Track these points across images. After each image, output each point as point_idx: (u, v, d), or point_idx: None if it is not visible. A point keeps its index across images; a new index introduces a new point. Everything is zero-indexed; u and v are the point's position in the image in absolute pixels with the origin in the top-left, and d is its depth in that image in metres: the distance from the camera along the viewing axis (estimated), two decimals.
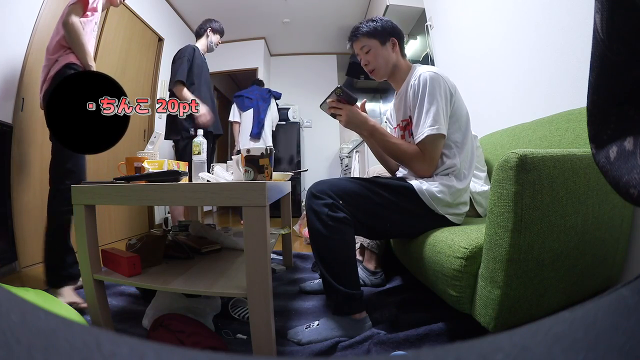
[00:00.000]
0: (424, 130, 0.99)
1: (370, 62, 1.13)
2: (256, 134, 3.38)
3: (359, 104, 1.14)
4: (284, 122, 4.10)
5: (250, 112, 3.42)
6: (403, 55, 1.15)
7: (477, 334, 0.19)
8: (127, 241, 1.10)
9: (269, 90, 3.61)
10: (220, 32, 2.39)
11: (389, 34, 1.11)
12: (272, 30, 4.16)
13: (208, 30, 2.35)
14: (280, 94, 3.77)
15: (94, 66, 1.33)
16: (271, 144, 3.46)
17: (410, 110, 1.08)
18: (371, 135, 1.08)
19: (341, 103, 1.08)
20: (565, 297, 0.79)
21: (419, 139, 1.00)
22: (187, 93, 2.13)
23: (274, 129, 3.58)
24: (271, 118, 3.51)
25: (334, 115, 1.11)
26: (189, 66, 2.16)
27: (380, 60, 1.12)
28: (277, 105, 3.71)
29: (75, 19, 1.26)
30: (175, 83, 2.12)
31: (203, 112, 2.11)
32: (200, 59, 2.27)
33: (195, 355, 0.12)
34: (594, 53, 0.27)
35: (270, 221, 0.82)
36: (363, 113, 1.09)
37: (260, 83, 3.68)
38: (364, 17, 3.73)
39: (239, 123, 3.43)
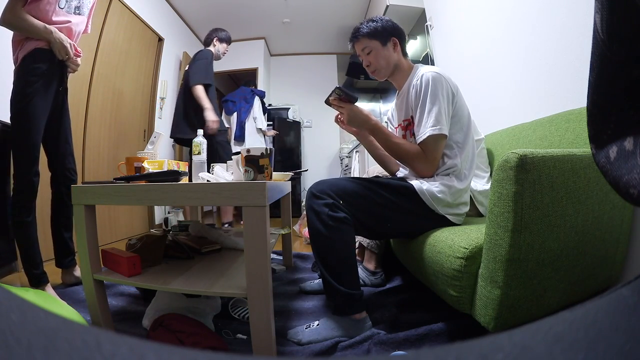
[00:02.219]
0: (425, 130, 0.99)
1: (371, 63, 1.14)
2: (238, 137, 3.42)
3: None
4: (271, 122, 4.04)
5: (235, 115, 3.46)
6: (404, 54, 1.15)
7: (477, 334, 0.19)
8: (127, 241, 1.10)
9: (252, 90, 3.60)
10: (227, 40, 2.55)
11: (390, 34, 1.11)
12: (272, 30, 4.15)
13: (215, 40, 2.51)
14: (264, 92, 3.74)
15: (56, 34, 1.23)
16: (259, 144, 3.44)
17: (412, 110, 1.08)
18: (373, 133, 1.08)
19: (343, 102, 1.08)
20: (565, 297, 0.79)
21: (421, 139, 1.00)
22: (204, 95, 2.33)
23: (261, 127, 3.56)
24: (253, 117, 3.50)
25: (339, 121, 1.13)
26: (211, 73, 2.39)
27: (382, 61, 1.12)
28: (264, 103, 3.69)
29: (6, 15, 1.18)
30: (198, 83, 2.32)
31: (215, 119, 2.33)
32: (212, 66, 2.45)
33: (195, 355, 0.12)
34: (594, 53, 0.27)
35: (270, 221, 0.82)
36: (365, 110, 1.09)
37: (248, 83, 3.70)
38: (364, 17, 3.73)
39: (229, 127, 3.47)
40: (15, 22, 1.19)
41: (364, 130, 1.10)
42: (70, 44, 1.27)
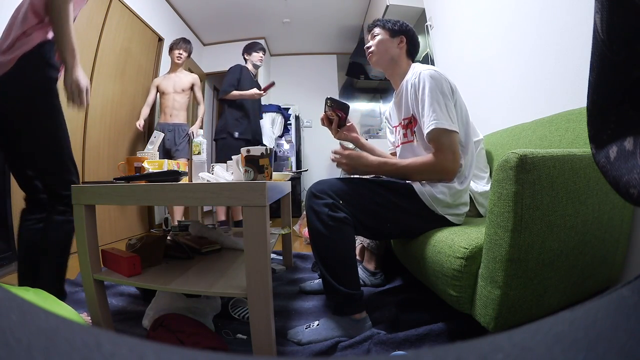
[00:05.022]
0: (430, 124, 0.97)
1: (372, 46, 1.17)
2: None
3: (347, 119, 1.20)
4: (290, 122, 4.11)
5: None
6: (410, 56, 1.16)
7: (477, 334, 0.19)
8: (127, 241, 1.10)
9: (279, 107, 3.69)
10: (252, 49, 2.68)
11: (402, 32, 1.15)
12: (272, 30, 4.15)
13: (245, 56, 2.69)
14: (290, 114, 3.88)
15: (80, 75, 0.94)
16: (269, 142, 3.46)
17: (411, 108, 1.07)
18: (381, 171, 1.06)
19: (336, 113, 1.13)
20: (565, 297, 0.79)
21: (432, 135, 0.98)
22: (230, 97, 2.50)
23: (276, 135, 3.59)
24: (272, 120, 3.54)
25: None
26: (237, 79, 2.52)
27: (381, 46, 1.15)
28: (287, 126, 3.78)
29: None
30: (223, 92, 2.49)
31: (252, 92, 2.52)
32: (246, 74, 2.59)
33: (195, 355, 0.12)
34: (594, 53, 0.27)
35: (270, 221, 0.82)
36: (364, 154, 1.07)
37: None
38: (364, 17, 3.73)
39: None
40: (65, 14, 0.87)
41: (371, 172, 1.07)
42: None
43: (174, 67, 2.68)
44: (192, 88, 2.73)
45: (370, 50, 1.17)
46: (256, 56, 2.66)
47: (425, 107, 0.99)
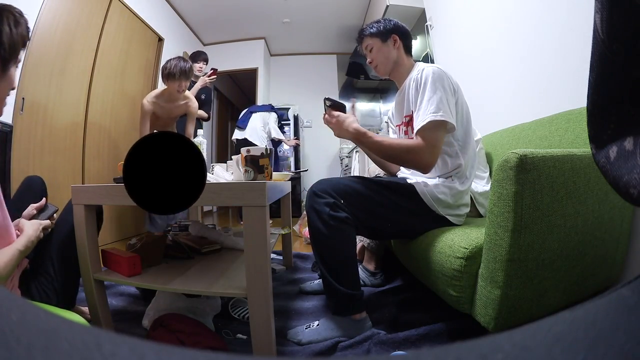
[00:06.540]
0: (426, 117, 0.95)
1: (373, 59, 1.16)
2: (240, 124, 3.43)
3: (348, 105, 1.19)
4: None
5: (249, 124, 3.42)
6: (408, 53, 1.16)
7: (477, 334, 0.19)
8: (127, 241, 1.10)
9: (272, 106, 3.65)
10: (196, 59, 2.70)
11: (390, 31, 1.13)
12: (272, 30, 4.16)
13: None
14: (284, 113, 3.83)
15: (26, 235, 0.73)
16: (259, 142, 3.38)
17: (412, 104, 1.07)
18: (359, 141, 1.04)
19: (337, 111, 1.13)
20: (565, 297, 0.79)
21: (420, 125, 0.96)
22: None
23: (276, 136, 3.52)
24: (263, 120, 3.46)
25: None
26: None
27: (381, 56, 1.14)
28: (281, 124, 3.73)
29: None
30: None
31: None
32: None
33: (195, 355, 0.12)
34: (594, 53, 0.27)
35: (270, 221, 0.82)
36: (349, 118, 1.05)
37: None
38: (364, 17, 3.73)
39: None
40: None
41: (351, 138, 1.05)
42: None
43: (172, 97, 2.05)
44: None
45: (374, 65, 1.17)
46: (196, 66, 2.64)
47: (424, 99, 0.98)
